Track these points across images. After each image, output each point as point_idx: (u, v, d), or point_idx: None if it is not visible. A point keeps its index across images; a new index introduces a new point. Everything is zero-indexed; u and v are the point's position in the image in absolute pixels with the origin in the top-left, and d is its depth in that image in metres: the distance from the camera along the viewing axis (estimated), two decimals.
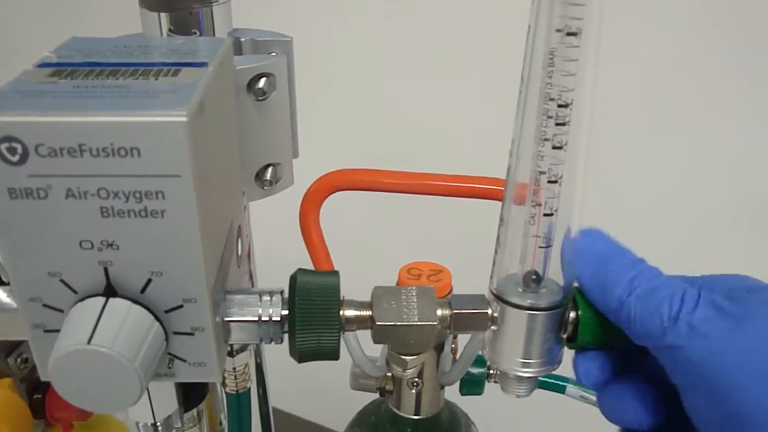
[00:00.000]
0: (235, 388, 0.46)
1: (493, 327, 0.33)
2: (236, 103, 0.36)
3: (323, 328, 0.32)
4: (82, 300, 0.28)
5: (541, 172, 0.30)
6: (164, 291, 0.28)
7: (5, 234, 0.26)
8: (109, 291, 0.28)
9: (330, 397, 0.73)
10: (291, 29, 0.44)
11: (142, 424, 0.38)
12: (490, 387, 0.50)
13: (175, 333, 0.29)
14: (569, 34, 0.28)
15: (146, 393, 0.37)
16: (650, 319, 0.30)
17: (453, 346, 0.50)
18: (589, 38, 0.28)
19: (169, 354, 0.30)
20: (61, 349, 0.26)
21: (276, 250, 0.61)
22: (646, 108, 0.71)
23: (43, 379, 0.29)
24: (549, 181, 0.30)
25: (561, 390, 0.51)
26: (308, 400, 0.91)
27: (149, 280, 0.28)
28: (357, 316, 0.32)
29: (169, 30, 0.37)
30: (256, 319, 0.32)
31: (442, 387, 0.51)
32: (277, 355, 0.33)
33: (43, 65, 0.29)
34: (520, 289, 0.32)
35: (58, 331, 0.27)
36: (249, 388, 0.47)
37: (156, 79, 0.28)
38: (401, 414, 0.52)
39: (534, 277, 0.32)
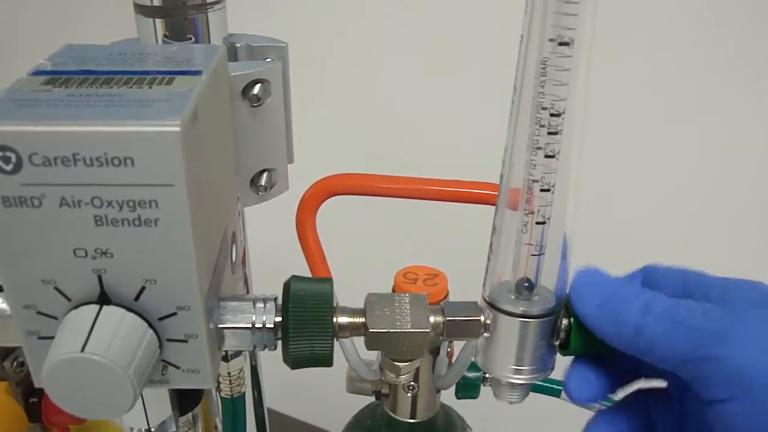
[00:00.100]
0: (230, 393, 0.47)
1: (485, 334, 0.33)
2: (231, 109, 0.36)
3: (317, 335, 0.32)
4: (76, 307, 0.28)
5: (533, 181, 0.30)
6: (158, 299, 0.28)
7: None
8: (103, 299, 0.28)
9: (326, 399, 0.73)
10: (287, 32, 0.44)
11: (137, 430, 0.38)
12: (485, 390, 0.50)
13: (169, 340, 0.29)
14: (562, 43, 0.28)
15: (140, 399, 0.37)
16: (678, 333, 0.29)
17: (449, 350, 0.50)
18: (582, 48, 0.29)
19: (163, 361, 0.30)
20: (55, 357, 0.26)
21: (272, 254, 0.61)
22: (648, 107, 0.71)
23: (37, 385, 0.29)
24: (542, 190, 0.31)
25: (556, 394, 0.51)
26: (304, 401, 0.92)
27: (143, 288, 0.28)
28: (350, 323, 0.33)
29: (165, 36, 0.38)
30: (250, 326, 0.32)
31: (438, 391, 0.51)
32: (273, 356, 0.33)
33: (38, 73, 0.29)
34: (513, 297, 0.33)
35: (52, 338, 0.28)
36: (244, 393, 0.47)
37: (150, 87, 0.28)
38: (397, 417, 0.52)
39: (526, 284, 0.32)
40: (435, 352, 0.48)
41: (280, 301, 0.32)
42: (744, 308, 0.29)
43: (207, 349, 0.30)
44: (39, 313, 0.28)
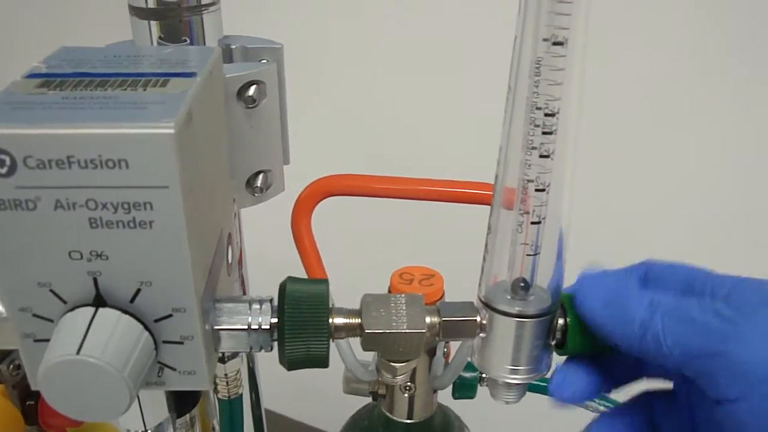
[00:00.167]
0: (227, 394, 0.47)
1: (481, 334, 0.33)
2: (226, 110, 0.36)
3: (312, 336, 0.32)
4: (71, 310, 0.28)
5: (528, 181, 0.30)
6: (153, 300, 0.28)
7: None
8: (99, 301, 0.28)
9: (323, 399, 0.73)
10: (283, 32, 0.44)
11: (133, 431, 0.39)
12: (482, 390, 0.50)
13: (165, 342, 0.29)
14: (555, 43, 0.28)
15: (137, 401, 0.37)
16: (686, 330, 0.29)
17: (445, 350, 0.50)
18: (576, 48, 0.29)
19: (159, 363, 0.30)
20: (51, 359, 0.26)
21: (269, 255, 0.61)
22: (644, 107, 0.71)
23: (33, 388, 0.29)
24: (536, 190, 0.31)
25: None
26: (301, 402, 0.92)
27: (138, 290, 0.28)
28: (346, 324, 0.33)
29: (160, 38, 0.38)
30: (246, 327, 0.32)
31: (435, 391, 0.51)
32: (271, 357, 0.33)
33: (32, 76, 0.29)
34: (509, 297, 0.33)
35: (48, 340, 0.28)
36: (241, 394, 0.47)
37: (144, 89, 0.28)
38: (394, 418, 0.52)
39: (522, 284, 0.32)
40: (431, 352, 0.48)
41: (275, 303, 0.32)
42: (753, 307, 0.29)
43: (203, 350, 0.30)
44: (35, 315, 0.28)
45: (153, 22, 0.37)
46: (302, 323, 0.32)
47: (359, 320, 0.33)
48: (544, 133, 0.30)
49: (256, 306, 0.32)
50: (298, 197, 0.48)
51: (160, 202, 0.26)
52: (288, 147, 0.42)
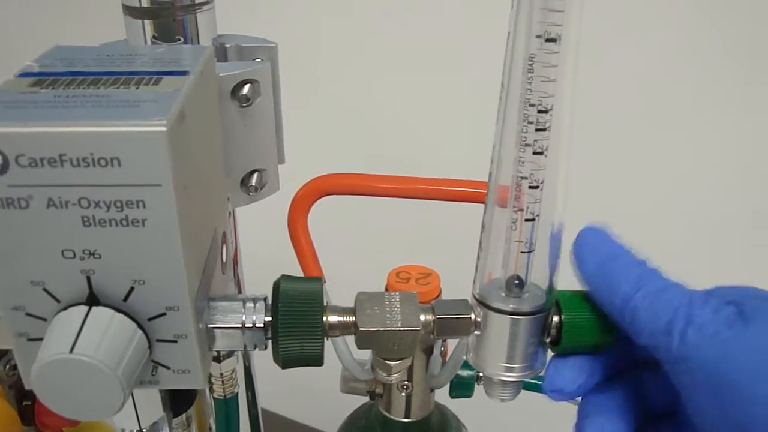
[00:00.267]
0: (222, 394, 0.47)
1: (476, 332, 0.33)
2: (220, 109, 0.36)
3: (306, 334, 0.32)
4: (64, 309, 0.28)
5: (522, 178, 0.30)
6: (147, 299, 0.28)
7: None
8: (92, 299, 0.28)
9: (320, 399, 0.73)
10: (280, 31, 0.44)
11: (128, 431, 0.38)
12: (480, 389, 0.50)
13: (159, 340, 0.29)
14: (549, 40, 0.28)
15: (131, 400, 0.37)
16: (656, 316, 0.29)
17: (442, 349, 0.50)
18: (569, 44, 0.29)
19: (153, 361, 0.30)
20: (44, 358, 0.26)
21: (265, 254, 0.61)
22: (643, 107, 0.71)
23: (27, 387, 0.29)
24: (530, 187, 0.31)
25: None
26: (298, 401, 0.92)
27: (132, 289, 0.28)
28: (340, 322, 0.33)
29: (154, 37, 0.38)
30: (240, 325, 0.32)
31: (432, 390, 0.51)
32: (267, 355, 0.33)
33: (25, 75, 0.29)
34: (503, 294, 0.33)
35: (41, 339, 0.27)
36: (236, 393, 0.47)
37: (137, 88, 0.28)
38: (391, 417, 0.52)
39: (517, 282, 0.32)
40: (428, 351, 0.48)
41: (270, 301, 0.32)
42: (727, 303, 0.29)
43: (197, 349, 0.30)
44: (28, 314, 0.28)
45: (147, 22, 0.37)
46: (296, 321, 0.32)
47: (353, 318, 0.33)
48: (537, 130, 0.30)
49: (250, 304, 0.32)
50: (295, 196, 0.48)
51: (152, 200, 0.26)
52: (283, 146, 0.42)
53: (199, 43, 0.39)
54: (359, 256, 0.77)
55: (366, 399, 0.53)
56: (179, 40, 0.38)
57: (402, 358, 0.36)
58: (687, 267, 0.33)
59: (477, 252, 0.33)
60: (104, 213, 0.26)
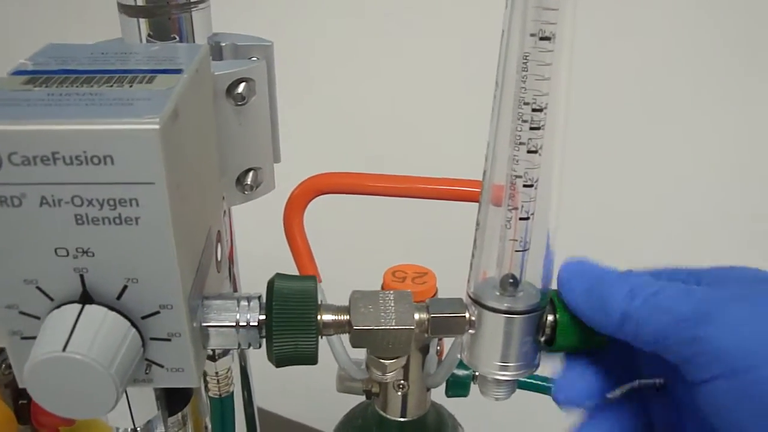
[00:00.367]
0: (218, 392, 0.46)
1: (471, 331, 0.33)
2: (215, 108, 0.36)
3: (300, 332, 0.32)
4: (58, 307, 0.28)
5: (516, 176, 0.30)
6: (140, 297, 0.28)
7: None
8: (85, 298, 0.28)
9: (317, 397, 0.73)
10: (276, 30, 0.44)
11: (122, 430, 0.38)
12: (476, 388, 0.50)
13: (152, 339, 0.29)
14: (543, 38, 0.28)
15: (125, 399, 0.37)
16: (660, 318, 0.29)
17: (438, 348, 0.50)
18: (563, 43, 0.29)
19: (147, 360, 0.30)
20: (37, 356, 0.26)
21: (261, 253, 0.61)
22: (641, 105, 0.71)
23: (20, 386, 0.29)
24: (525, 185, 0.31)
25: (546, 391, 0.51)
26: (295, 400, 0.92)
27: (125, 287, 0.28)
28: (335, 321, 0.32)
29: (149, 35, 0.38)
30: (234, 324, 0.32)
31: (428, 389, 0.51)
32: (263, 354, 0.33)
33: (18, 73, 0.29)
34: (498, 293, 0.33)
35: (35, 337, 0.27)
36: (232, 392, 0.47)
37: (131, 86, 0.28)
38: (388, 416, 0.52)
39: (511, 280, 0.32)
40: (424, 350, 0.48)
41: (264, 299, 0.32)
42: (730, 288, 0.29)
43: (191, 347, 0.29)
44: (21, 313, 0.28)
45: (142, 20, 0.37)
46: (290, 320, 0.32)
47: (348, 317, 0.32)
48: (531, 128, 0.30)
49: (244, 303, 0.32)
50: (291, 195, 0.48)
51: (145, 198, 0.26)
52: (278, 145, 0.42)
53: (194, 41, 0.39)
54: (355, 255, 0.77)
55: (362, 398, 0.53)
56: (174, 38, 0.38)
57: (396, 357, 0.36)
58: (685, 266, 0.33)
59: (472, 251, 0.33)
60: (97, 211, 0.26)
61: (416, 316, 0.33)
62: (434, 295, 0.47)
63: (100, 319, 0.27)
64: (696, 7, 0.65)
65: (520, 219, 0.31)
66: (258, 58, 0.40)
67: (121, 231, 0.27)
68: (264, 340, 0.32)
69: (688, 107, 0.69)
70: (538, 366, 0.34)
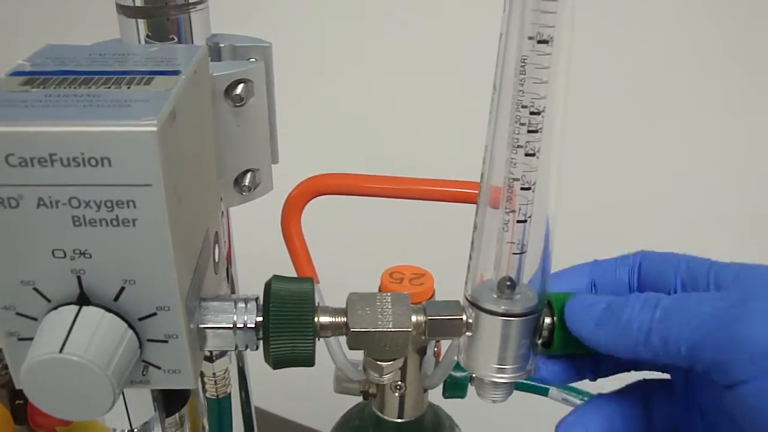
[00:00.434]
0: (215, 393, 0.46)
1: (468, 333, 0.33)
2: (214, 109, 0.36)
3: (298, 334, 0.32)
4: (55, 308, 0.28)
5: (514, 179, 0.30)
6: (137, 299, 0.28)
7: None
8: (82, 299, 0.28)
9: (314, 398, 0.73)
10: (276, 32, 0.44)
11: (119, 431, 0.38)
12: (473, 390, 0.50)
13: (149, 340, 0.29)
14: (541, 41, 0.28)
15: (122, 400, 0.37)
16: (687, 326, 0.28)
17: (435, 349, 0.50)
18: (561, 46, 0.29)
19: (144, 361, 0.30)
20: (34, 358, 0.26)
21: (259, 254, 0.61)
22: (641, 106, 0.71)
23: (17, 387, 0.29)
24: (522, 188, 0.31)
25: (544, 392, 0.51)
26: (292, 400, 0.92)
27: (122, 288, 0.28)
28: (332, 323, 0.33)
29: (147, 36, 0.37)
30: (231, 326, 0.32)
31: (426, 390, 0.51)
32: (261, 355, 0.33)
33: (16, 74, 0.29)
34: (495, 296, 0.33)
35: (32, 339, 0.27)
36: (229, 393, 0.47)
37: (129, 87, 0.28)
38: (385, 417, 0.52)
39: (508, 283, 0.32)
40: (422, 351, 0.48)
41: (261, 301, 0.32)
42: (759, 287, 0.29)
43: (188, 349, 0.29)
44: (18, 314, 0.28)
45: (140, 21, 0.37)
46: (287, 322, 0.32)
47: (345, 319, 0.33)
48: (529, 131, 0.30)
49: (241, 304, 0.32)
50: (288, 196, 0.48)
51: (143, 200, 0.26)
52: (276, 146, 0.42)
53: (192, 42, 0.39)
54: (353, 256, 0.77)
55: (360, 399, 0.53)
56: (173, 39, 0.38)
57: (393, 359, 0.36)
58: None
59: (469, 253, 0.33)
60: (95, 213, 0.26)
61: (413, 318, 0.33)
62: (432, 296, 0.47)
63: (97, 321, 0.27)
64: (696, 6, 0.65)
65: (518, 222, 0.31)
66: (256, 59, 0.40)
67: (118, 233, 0.27)
68: (261, 341, 0.32)
69: (687, 105, 0.69)
70: (535, 369, 0.34)
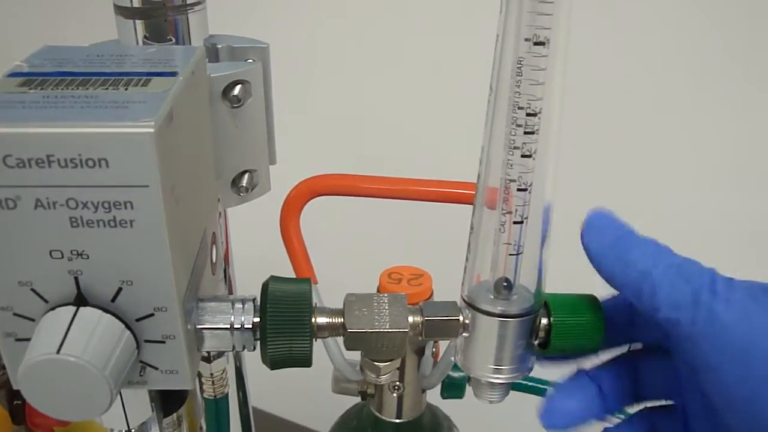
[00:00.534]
0: (212, 394, 0.47)
1: (464, 334, 0.34)
2: (211, 110, 0.36)
3: (295, 335, 0.32)
4: (52, 309, 0.28)
5: (510, 180, 0.31)
6: (135, 300, 0.28)
7: None
8: (80, 300, 0.28)
9: (312, 398, 0.73)
10: (273, 32, 0.44)
11: (117, 431, 0.38)
12: (471, 390, 0.50)
13: (147, 341, 0.29)
14: (537, 43, 0.29)
15: (120, 400, 0.37)
16: (679, 289, 0.29)
17: (434, 349, 0.50)
18: (557, 47, 0.29)
19: (141, 362, 0.30)
20: (31, 358, 0.26)
21: (257, 255, 0.61)
22: (639, 107, 0.71)
23: (14, 387, 0.29)
24: (519, 189, 0.31)
25: (541, 393, 0.51)
26: (291, 401, 0.92)
27: (120, 289, 0.28)
28: (329, 323, 0.33)
29: (145, 37, 0.38)
30: (228, 326, 0.32)
31: (424, 390, 0.51)
32: (259, 355, 0.33)
33: (14, 75, 0.29)
34: (491, 296, 0.33)
35: (29, 339, 0.27)
36: (227, 393, 0.47)
37: (126, 89, 0.28)
38: (383, 418, 0.52)
39: (505, 284, 0.32)
40: (420, 352, 0.48)
41: (258, 302, 0.32)
42: (753, 286, 0.29)
43: (185, 350, 0.30)
44: (16, 314, 0.28)
45: (138, 22, 0.37)
46: (284, 322, 0.32)
47: (342, 319, 0.33)
48: (526, 132, 0.30)
49: (238, 305, 0.32)
50: (287, 197, 0.48)
51: (140, 201, 0.26)
52: (274, 147, 0.42)
53: (190, 43, 0.39)
54: (351, 257, 0.77)
55: (358, 399, 0.53)
56: (171, 40, 0.38)
57: (390, 360, 0.36)
58: None
59: (466, 254, 0.33)
60: (92, 214, 0.26)
61: (410, 319, 0.33)
62: (430, 296, 0.47)
63: (94, 322, 0.27)
64: (696, 6, 0.65)
65: (514, 223, 0.31)
66: (254, 60, 0.40)
67: (115, 233, 0.27)
68: (258, 342, 0.32)
69: (686, 105, 0.69)
70: (531, 369, 0.35)
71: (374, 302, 0.33)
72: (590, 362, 0.36)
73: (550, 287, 0.34)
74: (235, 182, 0.40)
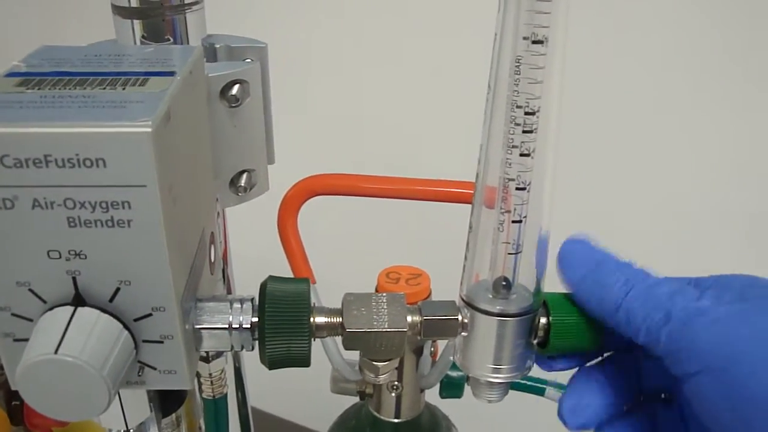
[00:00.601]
0: (211, 394, 0.46)
1: (463, 333, 0.33)
2: (209, 110, 0.36)
3: (293, 335, 0.32)
4: (50, 309, 0.28)
5: (509, 179, 0.30)
6: (133, 300, 0.28)
7: None
8: (78, 300, 0.28)
9: (311, 398, 0.73)
10: (271, 32, 0.44)
11: (116, 431, 0.38)
12: (470, 389, 0.50)
13: (145, 341, 0.29)
14: (535, 42, 0.28)
15: (118, 400, 0.37)
16: (651, 313, 0.29)
17: (432, 349, 0.50)
18: (556, 46, 0.29)
19: (139, 362, 0.30)
20: (29, 359, 0.26)
21: (255, 255, 0.61)
22: (638, 107, 0.71)
23: (12, 388, 0.29)
24: (517, 188, 0.31)
25: (540, 392, 0.51)
26: (289, 400, 0.92)
27: (118, 289, 0.28)
28: (327, 323, 0.33)
29: (143, 37, 0.37)
30: (227, 326, 0.32)
31: (422, 390, 0.51)
32: (257, 355, 0.33)
33: (11, 75, 0.29)
34: (490, 296, 0.33)
35: (27, 340, 0.27)
36: (226, 394, 0.47)
37: (124, 89, 0.28)
38: (382, 417, 0.52)
39: (504, 283, 0.32)
40: (418, 351, 0.48)
41: (257, 302, 0.32)
42: (724, 291, 0.29)
43: (183, 350, 0.29)
44: (14, 315, 0.28)
45: (136, 21, 0.37)
46: (283, 322, 0.32)
47: (340, 319, 0.33)
48: (524, 131, 0.30)
49: (237, 305, 0.32)
50: (285, 196, 0.48)
51: (138, 201, 0.26)
52: (272, 147, 0.42)
53: (188, 43, 0.39)
54: (349, 256, 0.77)
55: (357, 399, 0.53)
56: (168, 40, 0.38)
57: (389, 360, 0.36)
58: (683, 268, 0.33)
59: (464, 253, 0.33)
60: (90, 214, 0.26)
61: (409, 318, 0.33)
62: (428, 296, 0.47)
63: (92, 322, 0.27)
64: (695, 6, 0.65)
65: (513, 222, 0.31)
66: (252, 60, 0.40)
67: (113, 233, 0.27)
68: (257, 342, 0.32)
69: (686, 104, 0.69)
70: (530, 368, 0.35)
71: (373, 302, 0.33)
72: (587, 361, 0.35)
73: (550, 287, 0.34)
74: (234, 182, 0.40)
